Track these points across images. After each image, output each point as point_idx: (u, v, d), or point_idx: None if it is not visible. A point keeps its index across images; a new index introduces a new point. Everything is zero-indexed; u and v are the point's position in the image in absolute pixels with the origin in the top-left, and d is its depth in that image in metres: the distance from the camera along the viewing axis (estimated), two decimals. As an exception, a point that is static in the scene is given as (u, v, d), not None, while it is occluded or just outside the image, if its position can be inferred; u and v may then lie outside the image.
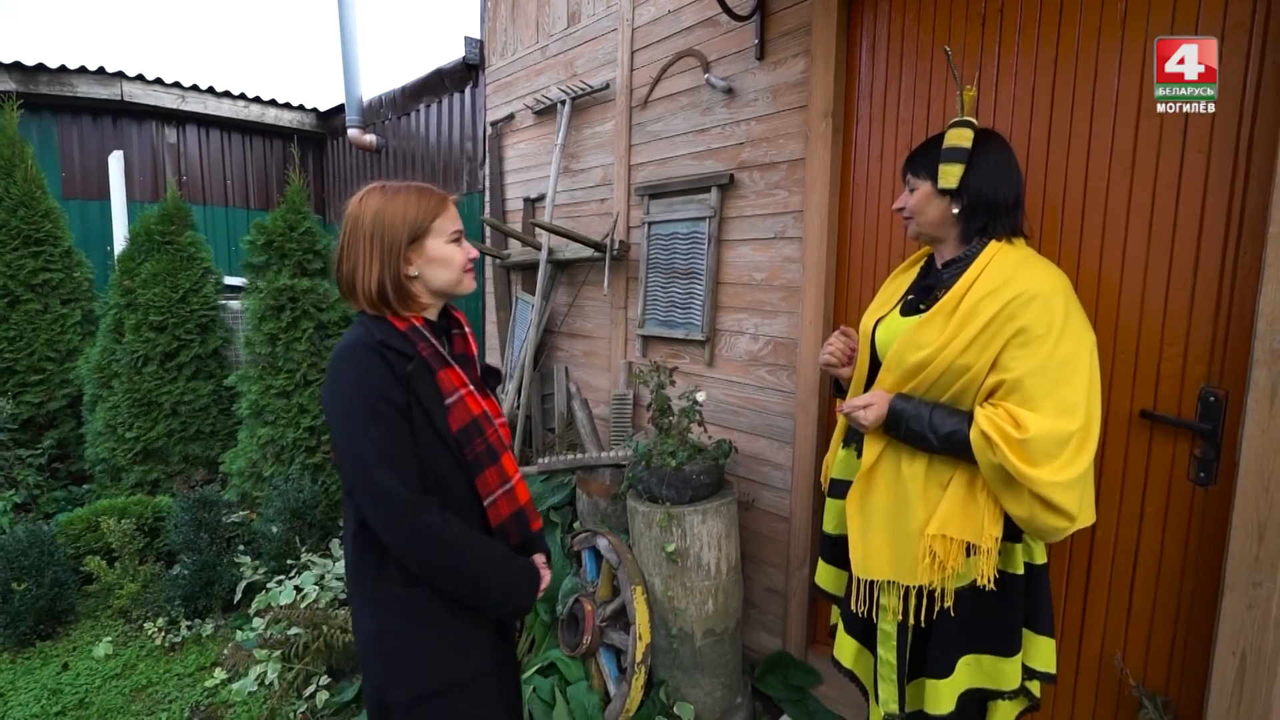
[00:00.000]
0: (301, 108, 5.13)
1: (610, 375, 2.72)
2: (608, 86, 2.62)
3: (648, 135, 2.49)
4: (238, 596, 2.61)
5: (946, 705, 1.25)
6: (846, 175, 1.96)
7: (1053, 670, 1.31)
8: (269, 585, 2.52)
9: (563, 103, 2.79)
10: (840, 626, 1.44)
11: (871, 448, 1.28)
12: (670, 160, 2.40)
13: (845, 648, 1.40)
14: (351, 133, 4.41)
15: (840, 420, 1.47)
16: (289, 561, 2.67)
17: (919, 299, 1.31)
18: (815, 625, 2.13)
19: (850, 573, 1.33)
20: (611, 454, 2.26)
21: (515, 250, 3.15)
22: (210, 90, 4.63)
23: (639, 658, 1.91)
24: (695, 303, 2.31)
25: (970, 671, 1.27)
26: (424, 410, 1.01)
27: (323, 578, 2.59)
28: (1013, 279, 1.15)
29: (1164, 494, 1.44)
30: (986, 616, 1.25)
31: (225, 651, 2.37)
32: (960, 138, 1.22)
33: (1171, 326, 1.41)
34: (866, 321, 1.39)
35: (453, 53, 3.56)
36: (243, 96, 4.78)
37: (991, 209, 1.23)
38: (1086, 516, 1.16)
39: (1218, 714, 1.31)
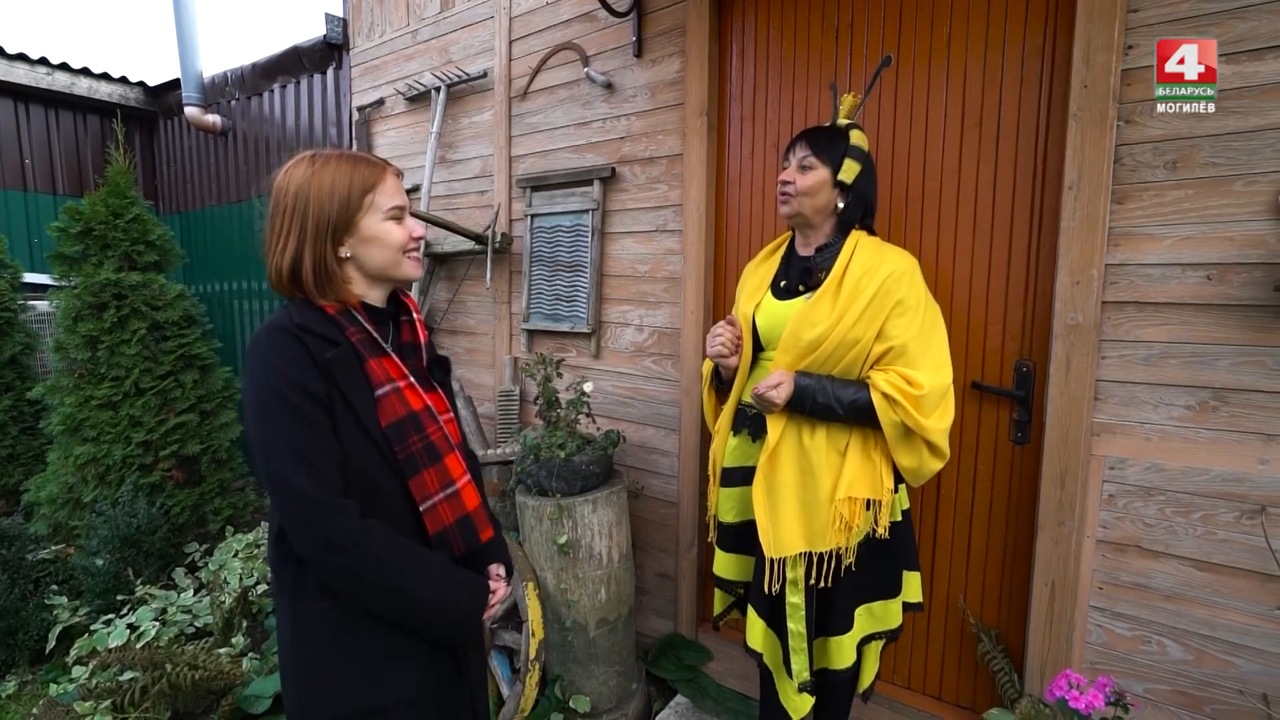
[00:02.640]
0: (125, 80, 4.46)
1: (495, 372, 2.65)
2: (485, 75, 2.55)
3: (528, 127, 2.45)
4: (50, 645, 2.23)
5: (850, 658, 1.37)
6: (721, 171, 2.06)
7: (921, 599, 1.48)
8: (94, 627, 2.17)
9: (438, 90, 2.68)
10: (750, 611, 1.45)
11: (774, 427, 1.35)
12: (552, 153, 2.39)
13: (755, 630, 1.43)
14: (190, 111, 3.91)
15: (726, 410, 1.49)
16: (119, 598, 2.32)
17: (797, 282, 1.42)
18: (704, 605, 2.20)
19: (759, 556, 1.37)
20: (498, 451, 2.20)
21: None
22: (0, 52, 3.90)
23: (533, 655, 1.87)
24: (580, 295, 2.31)
25: (865, 619, 1.40)
26: (347, 403, 0.91)
27: (165, 611, 2.28)
28: (883, 260, 1.31)
29: (991, 454, 1.66)
30: (877, 566, 1.38)
31: (35, 711, 2.01)
32: (862, 140, 1.39)
33: (993, 308, 1.63)
34: (745, 309, 1.47)
35: (312, 30, 3.28)
36: (44, 61, 4.07)
37: (867, 207, 1.42)
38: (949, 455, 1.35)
39: (1036, 638, 1.53)
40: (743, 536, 1.49)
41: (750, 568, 1.49)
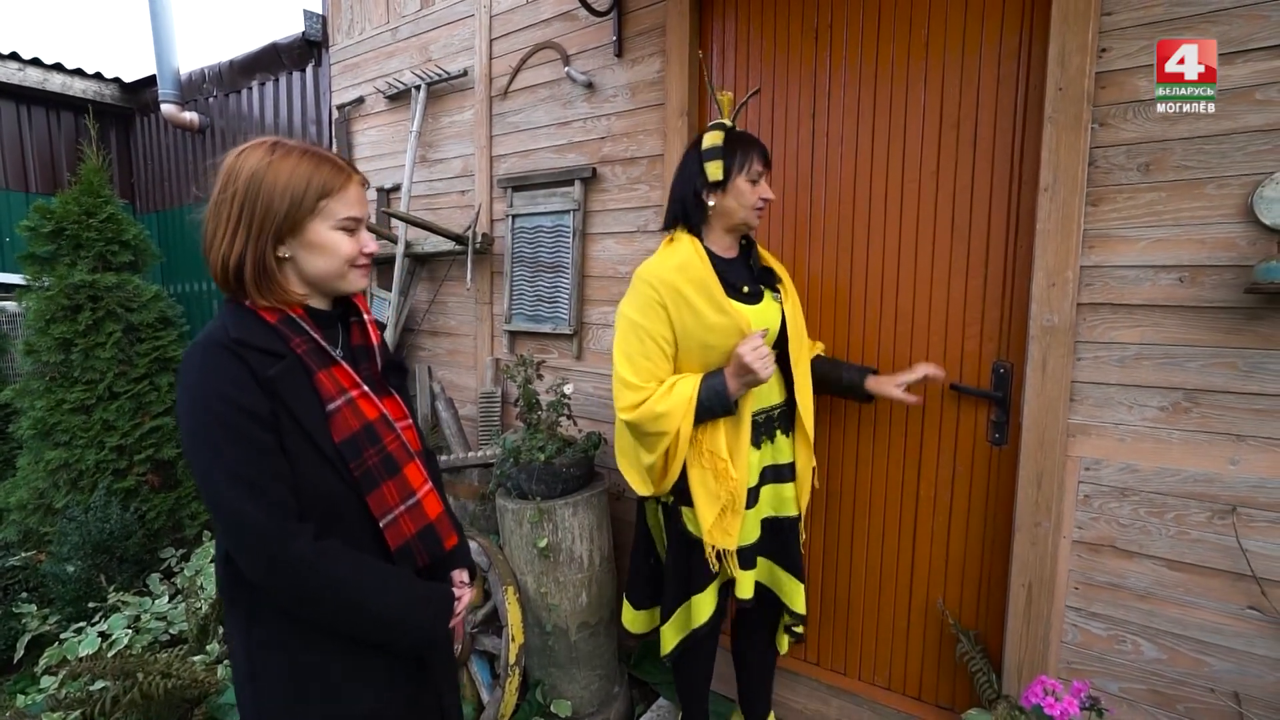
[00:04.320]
0: (100, 76, 4.38)
1: (476, 374, 2.63)
2: (466, 74, 2.52)
3: (509, 126, 2.43)
4: (18, 654, 2.18)
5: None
6: (703, 173, 2.05)
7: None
8: (64, 636, 2.12)
9: (418, 88, 2.65)
10: (744, 581, 1.47)
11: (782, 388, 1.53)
12: (533, 152, 2.37)
13: (746, 584, 1.48)
14: (167, 109, 3.84)
15: (744, 430, 1.39)
16: (91, 605, 2.27)
17: (757, 284, 1.48)
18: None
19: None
20: (478, 454, 2.18)
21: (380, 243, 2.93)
22: (-31, 48, 3.82)
23: (513, 660, 1.86)
24: (562, 296, 2.30)
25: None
26: (295, 421, 0.85)
27: (138, 619, 2.24)
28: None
29: (969, 455, 1.67)
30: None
31: (3, 722, 1.96)
32: None
33: (971, 310, 1.64)
34: (758, 320, 1.42)
35: (290, 27, 3.23)
36: (14, 57, 3.98)
37: None
38: None
39: (1014, 638, 1.54)
40: (763, 540, 1.52)
41: (766, 570, 1.57)
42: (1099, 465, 1.43)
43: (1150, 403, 1.37)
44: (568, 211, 2.25)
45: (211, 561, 2.75)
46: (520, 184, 2.38)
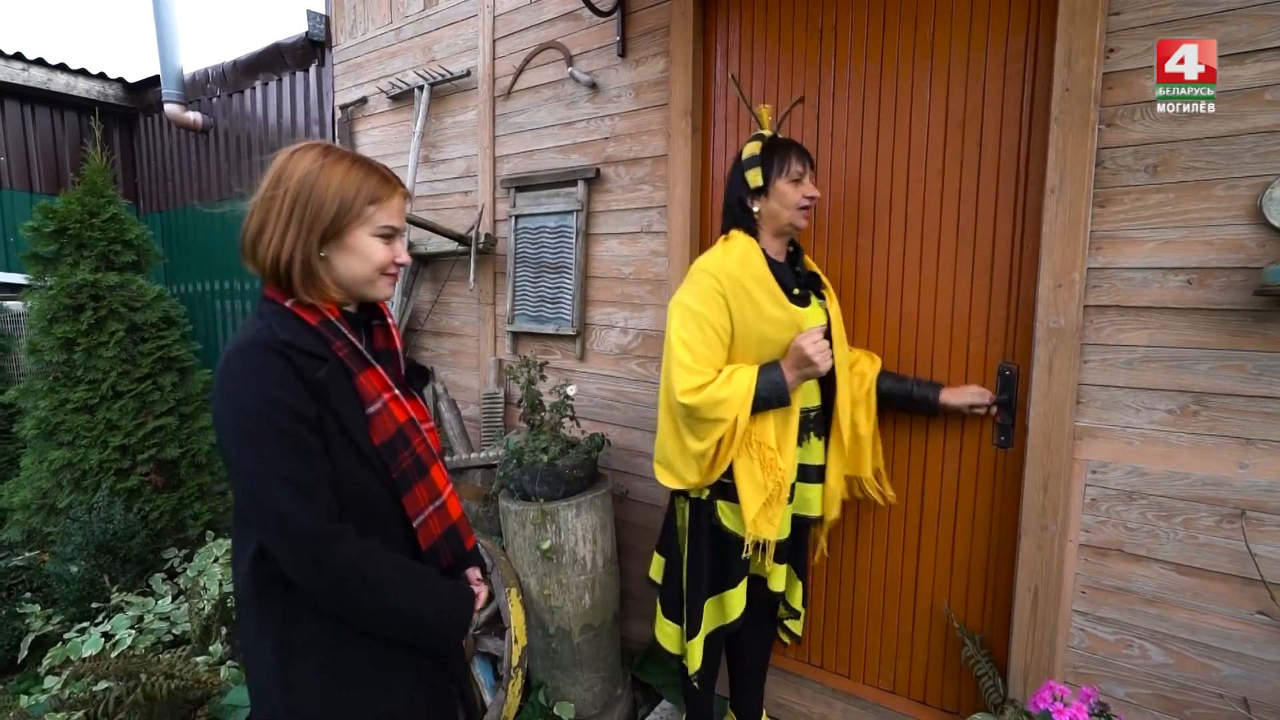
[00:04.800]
0: (104, 76, 4.38)
1: (480, 374, 2.62)
2: (469, 74, 2.52)
3: (512, 126, 2.43)
4: (22, 654, 2.18)
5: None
6: (706, 172, 2.04)
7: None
8: (67, 636, 2.12)
9: (421, 88, 2.64)
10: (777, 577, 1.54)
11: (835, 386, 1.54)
12: (536, 153, 2.36)
13: (779, 576, 1.54)
14: (170, 109, 3.85)
15: (792, 425, 1.43)
16: (94, 605, 2.27)
17: (806, 289, 1.52)
18: (690, 608, 2.19)
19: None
20: (482, 455, 2.17)
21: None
22: (-26, 48, 3.83)
23: (515, 662, 1.85)
24: (565, 297, 2.29)
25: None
26: (340, 423, 0.86)
27: (141, 619, 2.24)
28: None
29: (975, 458, 1.66)
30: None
31: (6, 722, 1.96)
32: None
33: (977, 312, 1.63)
34: (811, 319, 1.47)
35: (293, 27, 3.24)
36: (19, 57, 3.99)
37: None
38: None
39: (1020, 642, 1.53)
40: (792, 535, 1.55)
41: (785, 573, 1.59)
42: (1106, 468, 1.42)
43: (1158, 405, 1.36)
44: (571, 212, 2.24)
45: (215, 561, 2.75)
46: (523, 184, 2.38)
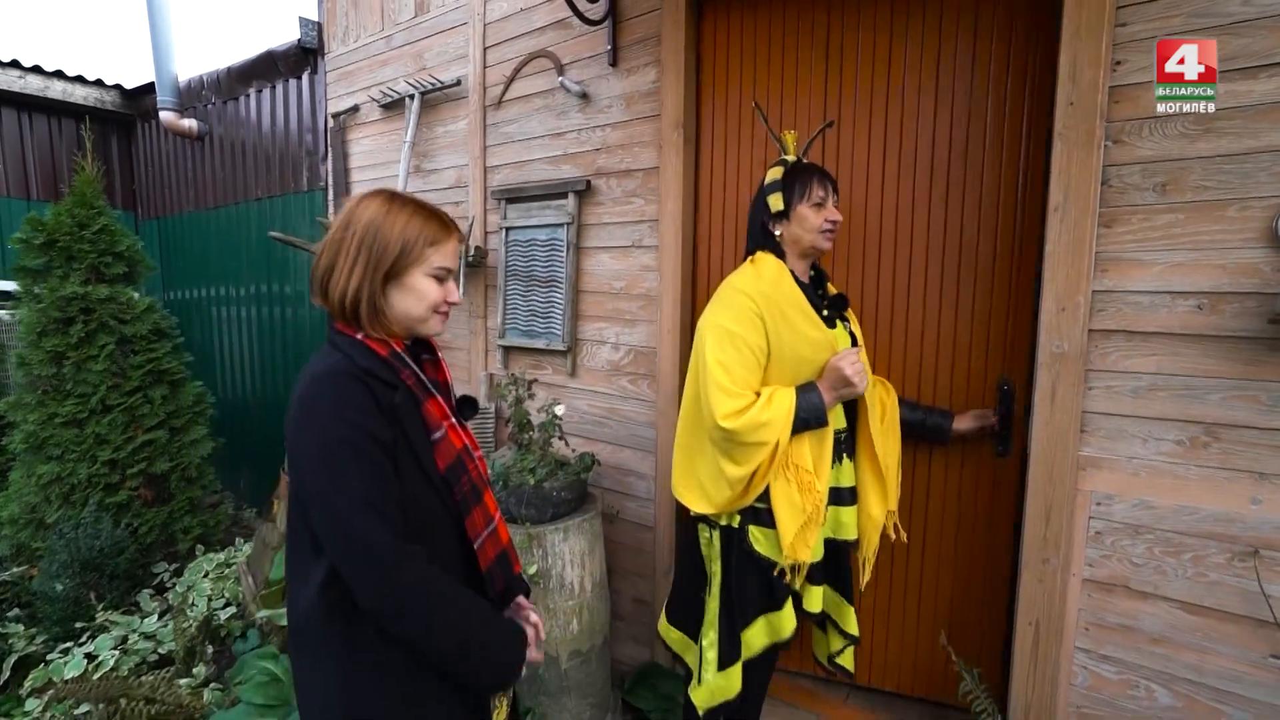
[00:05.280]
0: (100, 83, 4.36)
1: (470, 388, 2.58)
2: (459, 83, 2.47)
3: (503, 136, 2.38)
4: (4, 675, 2.15)
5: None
6: (700, 186, 1.99)
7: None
8: (50, 657, 2.09)
9: (411, 97, 2.60)
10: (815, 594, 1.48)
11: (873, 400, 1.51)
12: (527, 164, 2.31)
13: (816, 598, 1.48)
14: (165, 116, 3.82)
15: (828, 445, 1.41)
16: (78, 625, 2.24)
17: (834, 310, 1.50)
18: (683, 631, 2.14)
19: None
20: None
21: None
22: (-29, 56, 3.81)
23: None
24: (556, 312, 2.24)
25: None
26: (411, 448, 0.91)
27: (125, 639, 2.20)
28: None
29: (975, 473, 1.61)
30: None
31: (-13, 744, 1.94)
32: None
33: (978, 330, 1.57)
34: (842, 339, 1.46)
35: (287, 34, 3.20)
36: (16, 65, 3.97)
37: None
38: None
39: (1020, 678, 1.47)
40: (827, 558, 1.50)
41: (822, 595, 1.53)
42: (1111, 500, 1.35)
43: (1166, 436, 1.30)
44: (561, 225, 2.19)
45: (205, 576, 2.72)
46: (514, 196, 2.33)
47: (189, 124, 3.88)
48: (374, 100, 2.80)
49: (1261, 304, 1.19)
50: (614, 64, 2.04)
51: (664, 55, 1.93)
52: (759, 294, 1.38)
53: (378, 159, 2.88)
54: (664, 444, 2.02)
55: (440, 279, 0.97)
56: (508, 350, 2.42)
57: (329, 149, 3.09)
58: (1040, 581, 1.43)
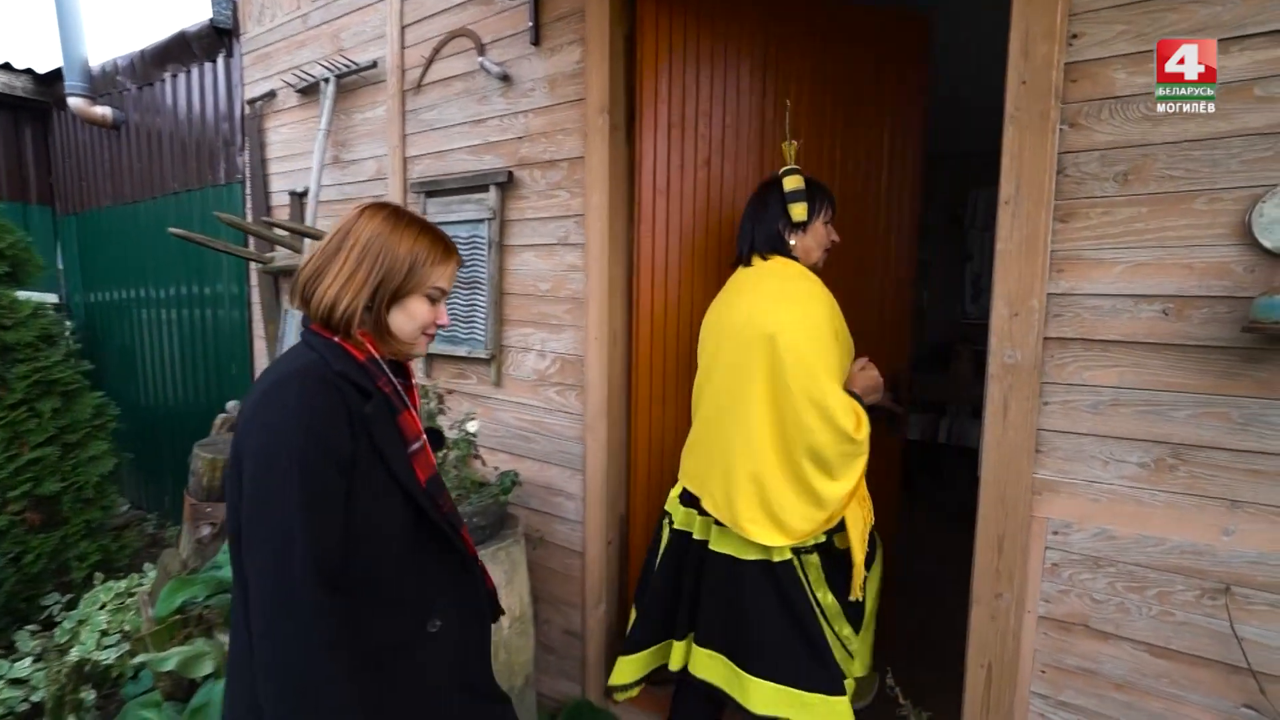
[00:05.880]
0: (9, 67, 4.02)
1: (394, 398, 2.36)
2: (375, 65, 2.26)
3: (423, 124, 2.17)
4: None
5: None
6: (636, 178, 1.80)
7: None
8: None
9: (327, 81, 2.38)
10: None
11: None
12: (448, 153, 2.11)
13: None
14: (75, 103, 3.52)
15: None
16: (-64, 671, 1.98)
17: None
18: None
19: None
20: None
21: (282, 253, 2.65)
22: None
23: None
24: (479, 316, 2.04)
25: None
26: (381, 458, 0.86)
27: (-12, 686, 1.95)
28: None
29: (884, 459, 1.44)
30: None
31: None
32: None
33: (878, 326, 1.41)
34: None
35: (201, 12, 2.94)
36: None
37: None
38: None
39: (972, 726, 1.31)
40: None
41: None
42: (1069, 529, 1.21)
43: (1129, 458, 1.15)
44: (483, 220, 1.99)
45: (102, 608, 2.46)
46: (434, 189, 2.12)
47: (102, 112, 3.59)
48: (289, 85, 2.57)
49: (1233, 309, 1.05)
50: (536, 42, 1.85)
51: (588, 32, 1.74)
52: (828, 295, 1.39)
53: (296, 148, 2.65)
54: (593, 462, 1.83)
55: (434, 300, 0.95)
56: (430, 358, 2.21)
57: (245, 139, 2.84)
58: (993, 619, 1.28)
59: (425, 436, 0.95)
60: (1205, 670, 1.11)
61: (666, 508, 1.55)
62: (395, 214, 0.93)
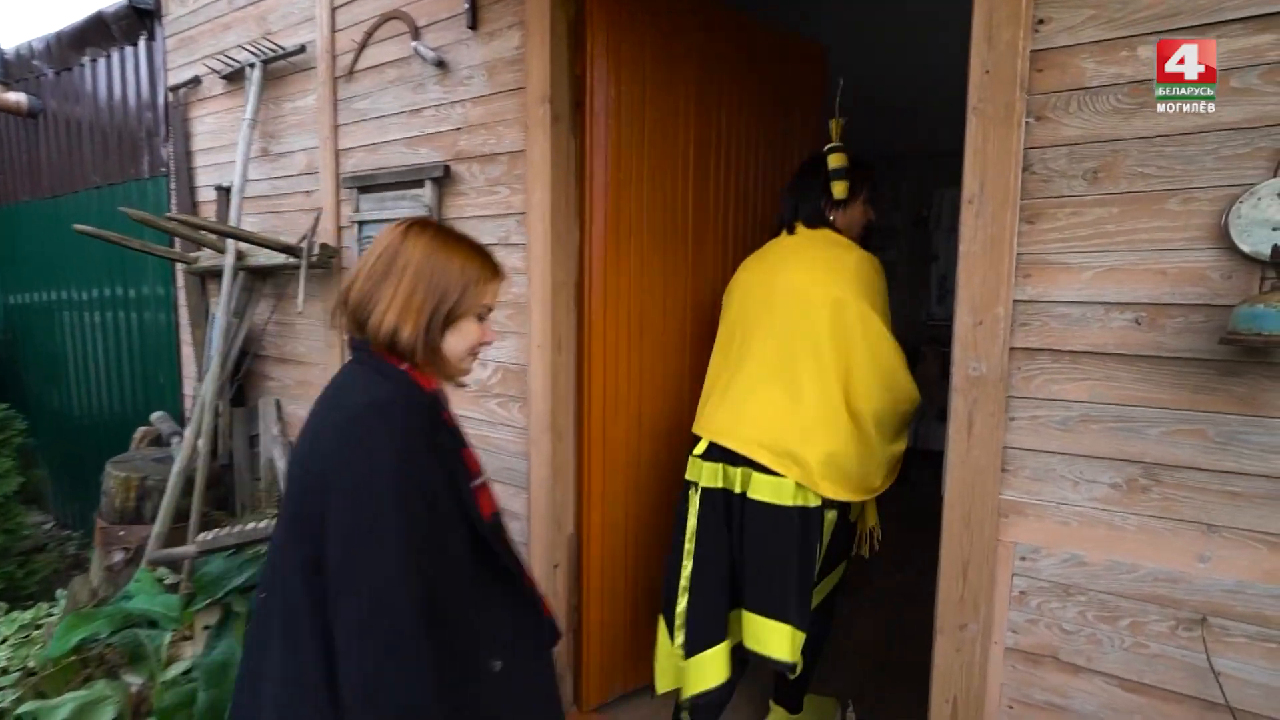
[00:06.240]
0: (-84, 50, 3.72)
1: (329, 410, 2.20)
2: (305, 50, 2.09)
3: (356, 114, 2.01)
4: None
5: None
6: (585, 173, 1.67)
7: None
8: None
9: (252, 66, 2.19)
10: None
11: None
12: (382, 146, 1.96)
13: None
14: (-13, 89, 3.26)
15: None
16: None
17: None
18: (584, 694, 1.81)
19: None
20: (263, 524, 1.75)
21: (208, 253, 2.46)
22: None
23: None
24: (416, 321, 1.89)
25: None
26: (457, 491, 0.84)
27: None
28: None
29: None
30: None
31: None
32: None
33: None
34: None
35: (121, -8, 2.72)
36: None
37: None
38: None
39: (936, 766, 1.22)
40: None
41: None
42: (1037, 554, 1.12)
43: (1100, 478, 1.07)
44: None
45: (2, 643, 2.24)
46: (368, 184, 1.97)
47: (16, 98, 3.32)
48: (214, 71, 2.38)
49: (1209, 318, 0.97)
50: (474, 26, 1.71)
51: (528, 15, 1.61)
52: (880, 265, 1.44)
53: (224, 139, 2.46)
54: (537, 479, 1.70)
55: (481, 318, 0.92)
56: (366, 366, 2.05)
57: (169, 129, 2.63)
58: (958, 650, 1.18)
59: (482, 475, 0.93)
60: (1180, 706, 1.03)
61: (687, 476, 1.45)
62: (441, 232, 0.90)
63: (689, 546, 1.38)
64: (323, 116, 2.07)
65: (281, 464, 2.08)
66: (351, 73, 1.99)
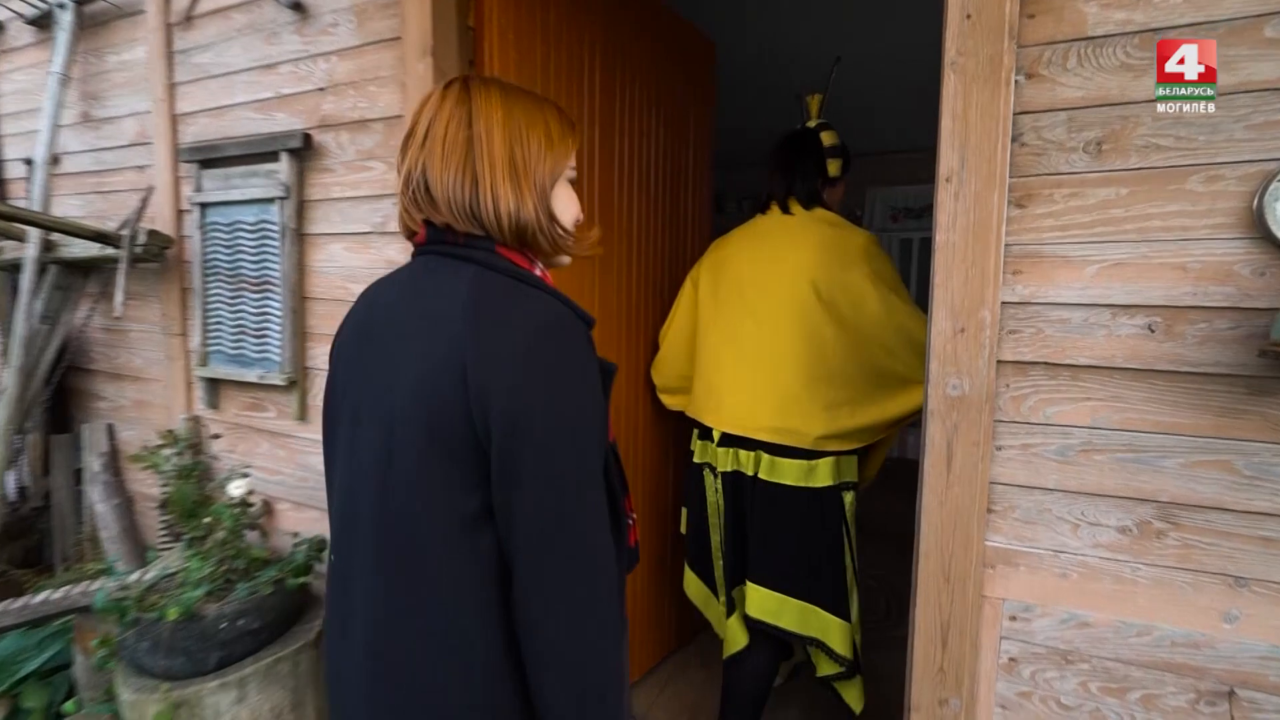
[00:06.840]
0: None
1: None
2: (130, -12, 1.67)
3: (196, 70, 1.62)
4: None
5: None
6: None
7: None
8: None
9: (62, 7, 1.75)
10: None
11: None
12: (229, 110, 1.58)
13: None
14: None
15: None
16: None
17: None
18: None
19: None
20: (77, 590, 1.34)
21: (12, 244, 1.97)
22: None
23: None
24: (273, 328, 1.53)
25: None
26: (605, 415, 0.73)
27: None
28: None
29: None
30: None
31: None
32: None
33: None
34: None
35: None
36: None
37: None
38: None
39: None
40: None
41: None
42: (1030, 613, 0.92)
43: (1106, 520, 0.87)
44: (273, 200, 1.48)
45: None
46: (211, 157, 1.58)
47: None
48: (19, 15, 1.90)
49: (1237, 323, 0.79)
50: (338, -42, 1.37)
51: (404, -56, 1.29)
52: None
53: (36, 102, 1.97)
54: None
55: (572, 181, 0.78)
56: (214, 383, 1.66)
57: (-34, 87, 2.11)
58: (936, 732, 0.97)
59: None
60: (1202, 797, 0.85)
61: (698, 460, 1.49)
62: (498, 81, 0.73)
63: (715, 520, 1.45)
64: (155, 73, 1.66)
65: (102, 506, 1.65)
66: (189, 18, 1.60)
